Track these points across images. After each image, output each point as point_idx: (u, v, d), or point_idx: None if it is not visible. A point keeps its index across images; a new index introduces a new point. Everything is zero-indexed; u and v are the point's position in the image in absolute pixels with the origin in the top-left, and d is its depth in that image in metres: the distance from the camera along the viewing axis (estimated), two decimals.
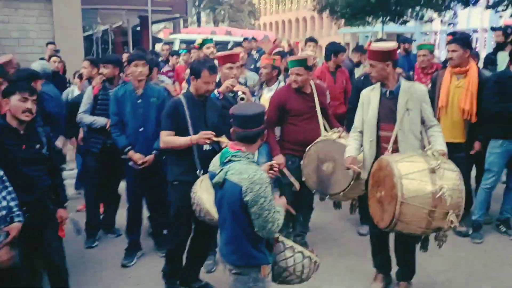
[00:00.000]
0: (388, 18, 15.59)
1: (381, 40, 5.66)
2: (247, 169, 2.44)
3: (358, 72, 6.60)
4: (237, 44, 15.02)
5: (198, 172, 3.51)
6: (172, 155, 3.68)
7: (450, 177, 3.08)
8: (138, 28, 20.65)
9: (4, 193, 2.88)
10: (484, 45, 29.53)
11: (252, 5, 38.46)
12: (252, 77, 5.75)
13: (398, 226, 3.11)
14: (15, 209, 2.90)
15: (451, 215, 3.01)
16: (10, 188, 2.92)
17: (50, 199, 3.25)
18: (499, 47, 6.43)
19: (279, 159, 4.25)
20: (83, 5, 11.81)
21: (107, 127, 4.47)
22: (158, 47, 18.76)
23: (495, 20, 17.42)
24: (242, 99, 4.09)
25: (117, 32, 19.19)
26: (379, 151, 3.55)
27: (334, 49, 5.80)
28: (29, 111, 3.07)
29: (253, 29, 35.87)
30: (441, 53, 20.57)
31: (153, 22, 19.59)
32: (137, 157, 4.19)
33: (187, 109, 3.57)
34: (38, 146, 3.16)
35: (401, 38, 8.12)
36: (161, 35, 27.80)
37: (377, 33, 29.22)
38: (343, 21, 17.41)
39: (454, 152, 3.94)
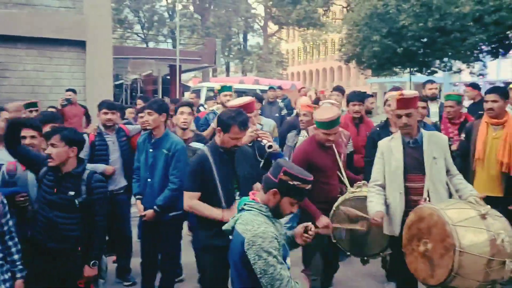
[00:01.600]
0: (415, 69, 15.52)
1: (397, 88, 5.53)
2: (253, 221, 2.34)
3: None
4: (263, 92, 15.25)
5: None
6: (197, 217, 3.36)
7: (502, 222, 2.88)
8: (168, 77, 21.23)
9: (10, 243, 2.80)
10: None
11: (280, 55, 39.27)
12: (268, 123, 5.72)
13: (454, 282, 2.80)
14: (18, 263, 2.81)
15: (509, 264, 2.74)
16: (16, 240, 2.84)
17: (77, 251, 3.11)
18: None
19: (324, 220, 3.80)
20: (115, 55, 12.25)
21: (107, 173, 4.45)
22: (187, 95, 19.23)
23: None
24: (270, 147, 3.91)
25: (147, 80, 19.75)
26: (409, 203, 3.38)
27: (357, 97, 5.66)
28: (49, 156, 3.10)
29: (281, 79, 36.40)
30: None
31: (183, 71, 20.13)
32: (139, 208, 4.12)
33: (213, 165, 3.25)
34: (72, 193, 3.07)
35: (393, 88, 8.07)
36: (190, 84, 28.52)
37: (405, 83, 29.20)
38: (370, 70, 17.45)
39: (490, 206, 3.70)
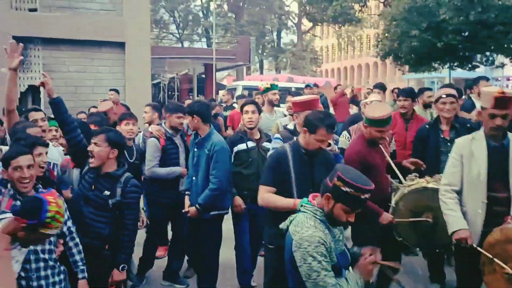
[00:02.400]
0: (456, 63, 15.08)
1: (449, 86, 5.29)
2: (303, 223, 2.33)
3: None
4: (299, 89, 15.17)
5: None
6: (269, 212, 3.32)
7: None
8: (203, 76, 21.48)
9: (71, 244, 2.90)
10: None
11: (314, 52, 39.01)
12: None
13: None
14: (80, 263, 2.89)
15: None
16: (77, 240, 2.92)
17: (105, 249, 3.16)
18: None
19: (387, 217, 3.65)
20: (153, 55, 12.49)
21: (184, 175, 4.49)
22: (221, 93, 19.43)
23: None
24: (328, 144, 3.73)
25: (183, 79, 20.06)
26: (490, 214, 3.11)
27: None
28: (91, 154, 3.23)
29: (315, 76, 36.17)
30: None
31: (217, 70, 20.32)
32: (186, 203, 4.21)
33: (292, 163, 3.20)
34: (107, 193, 3.15)
35: (466, 84, 7.78)
36: (224, 82, 28.76)
37: (444, 78, 28.42)
38: (407, 66, 17.09)
39: None
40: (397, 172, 3.91)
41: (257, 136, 4.39)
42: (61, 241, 2.80)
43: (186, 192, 4.28)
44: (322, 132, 3.13)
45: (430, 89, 6.43)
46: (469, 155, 3.19)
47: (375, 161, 3.80)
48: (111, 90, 9.49)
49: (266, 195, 3.22)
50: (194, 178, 4.18)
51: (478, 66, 15.53)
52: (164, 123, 4.81)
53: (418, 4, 11.62)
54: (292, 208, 2.96)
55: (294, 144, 3.30)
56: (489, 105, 3.11)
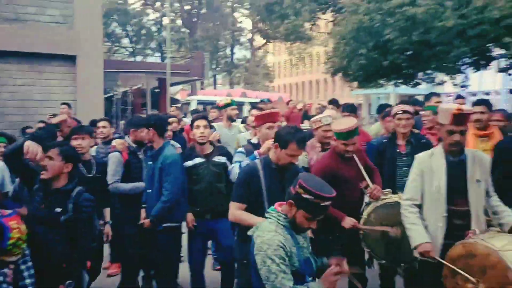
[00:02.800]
0: (400, 80, 15.86)
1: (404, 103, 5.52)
2: (265, 228, 2.42)
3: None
4: (252, 105, 15.33)
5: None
6: (240, 228, 3.26)
7: None
8: (157, 90, 21.32)
9: (23, 267, 2.81)
10: (497, 107, 29.62)
11: (267, 67, 39.61)
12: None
13: None
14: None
15: None
16: (30, 263, 2.80)
17: (62, 269, 3.06)
18: None
19: (349, 221, 3.73)
20: (106, 68, 12.32)
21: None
22: (172, 109, 19.29)
23: (507, 82, 17.63)
24: None
25: (136, 93, 19.81)
26: (450, 228, 3.15)
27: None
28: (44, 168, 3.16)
29: (268, 91, 36.70)
30: None
31: (171, 84, 20.25)
32: (142, 215, 4.27)
33: (263, 178, 3.19)
34: (58, 209, 3.08)
35: (412, 100, 8.21)
36: (178, 96, 28.62)
37: (389, 94, 29.66)
38: (356, 83, 17.76)
39: None
40: (370, 183, 3.96)
41: (208, 150, 4.35)
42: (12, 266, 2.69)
43: (143, 205, 4.31)
44: (293, 147, 3.13)
45: (389, 105, 6.75)
46: (429, 170, 3.22)
47: (345, 174, 3.86)
48: (62, 104, 9.27)
49: (238, 212, 3.20)
50: (149, 190, 4.23)
51: (420, 83, 16.39)
52: (128, 136, 4.80)
53: (365, 24, 12.20)
54: None
55: (265, 159, 3.31)
56: (447, 121, 3.15)
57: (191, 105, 15.31)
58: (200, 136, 4.29)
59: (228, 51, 37.72)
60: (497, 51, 14.03)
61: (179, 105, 15.36)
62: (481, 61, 13.84)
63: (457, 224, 3.14)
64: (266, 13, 20.47)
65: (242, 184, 3.22)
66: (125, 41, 36.51)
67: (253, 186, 3.18)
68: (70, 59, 10.90)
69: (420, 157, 3.35)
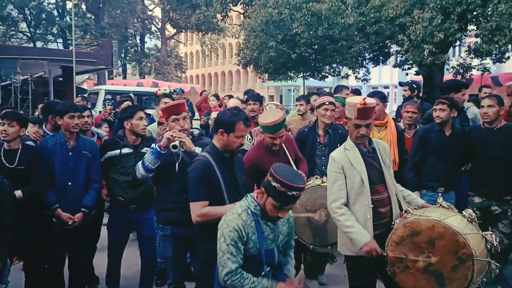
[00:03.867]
0: (308, 73, 16.62)
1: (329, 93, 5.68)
2: (232, 209, 2.58)
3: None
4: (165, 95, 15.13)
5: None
6: (200, 229, 3.08)
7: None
8: (60, 79, 20.15)
9: None
10: (394, 99, 32.17)
11: (179, 58, 39.03)
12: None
13: None
14: None
15: (493, 264, 2.82)
16: None
17: None
18: (406, 100, 7.16)
19: None
20: (1, 54, 11.44)
21: None
22: (77, 99, 18.35)
23: (403, 77, 19.21)
24: (174, 147, 3.50)
25: (37, 82, 18.56)
26: (376, 217, 3.15)
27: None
28: None
29: (180, 82, 36.26)
30: None
31: (76, 73, 19.25)
32: (64, 216, 3.99)
33: (218, 170, 3.06)
34: None
35: (319, 92, 8.73)
36: (85, 86, 27.22)
37: (299, 87, 30.86)
38: (266, 75, 18.28)
39: None
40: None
41: (138, 141, 4.24)
42: None
43: (55, 205, 4.01)
44: (240, 126, 3.06)
45: (316, 94, 7.07)
46: (348, 165, 3.19)
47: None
48: None
49: (204, 210, 3.00)
50: (70, 183, 4.06)
51: (327, 76, 17.32)
52: (45, 125, 4.56)
53: (274, 18, 12.63)
54: None
55: (213, 150, 3.15)
56: (353, 116, 3.20)
57: (99, 94, 14.70)
58: (143, 129, 4.19)
59: (138, 40, 36.53)
60: (394, 48, 15.28)
61: (85, 95, 14.69)
62: (380, 57, 14.99)
63: (382, 212, 3.17)
64: (177, 2, 20.24)
65: (201, 181, 3.03)
66: (23, 26, 33.85)
67: (211, 181, 3.04)
68: None
69: (335, 155, 3.31)
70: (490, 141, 4.43)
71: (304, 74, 16.69)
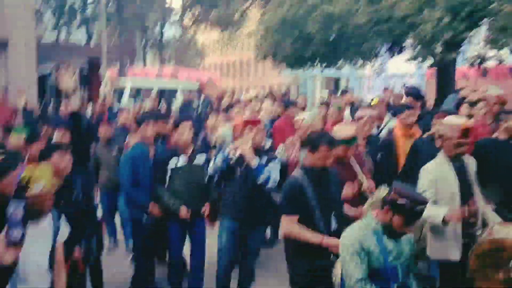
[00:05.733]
0: (325, 64, 17.08)
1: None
2: (351, 226, 2.76)
3: None
4: (185, 90, 15.59)
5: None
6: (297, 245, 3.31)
7: None
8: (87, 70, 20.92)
9: None
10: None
11: (197, 46, 39.58)
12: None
13: None
14: None
15: None
16: None
17: None
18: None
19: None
20: (39, 51, 12.28)
21: None
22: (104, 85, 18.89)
23: (419, 66, 19.44)
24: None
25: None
26: (465, 228, 3.44)
27: None
28: None
29: (199, 70, 36.85)
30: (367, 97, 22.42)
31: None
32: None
33: (309, 187, 3.26)
34: None
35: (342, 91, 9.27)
36: (107, 75, 27.92)
37: (316, 76, 31.23)
38: (284, 65, 18.71)
39: None
40: (365, 181, 4.20)
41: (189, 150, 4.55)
42: None
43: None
44: (323, 148, 3.29)
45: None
46: (441, 179, 3.47)
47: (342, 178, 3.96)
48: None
49: (291, 227, 3.25)
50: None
51: (343, 66, 17.70)
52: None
53: (289, 18, 13.22)
54: (320, 245, 3.13)
55: (304, 167, 3.41)
56: (456, 135, 3.48)
57: (124, 94, 15.32)
58: (186, 141, 4.48)
59: (157, 29, 37.21)
60: (408, 41, 15.64)
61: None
62: (394, 49, 15.36)
63: (470, 223, 3.42)
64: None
65: (291, 199, 3.29)
66: (48, 17, 34.79)
67: (301, 199, 3.24)
68: (1, 44, 10.88)
69: (429, 167, 3.60)
70: None
71: (322, 64, 17.02)
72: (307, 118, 4.91)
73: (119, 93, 15.66)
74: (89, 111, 9.57)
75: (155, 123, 4.72)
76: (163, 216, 4.48)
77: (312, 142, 3.36)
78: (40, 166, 2.83)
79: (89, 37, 31.34)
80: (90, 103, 11.30)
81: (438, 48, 11.86)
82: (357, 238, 2.62)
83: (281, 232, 3.39)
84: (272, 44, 15.49)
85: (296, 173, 3.42)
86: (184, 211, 4.33)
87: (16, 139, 4.72)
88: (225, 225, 4.31)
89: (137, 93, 15.59)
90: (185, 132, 4.43)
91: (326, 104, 7.46)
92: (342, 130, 4.16)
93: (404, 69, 33.34)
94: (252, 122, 4.26)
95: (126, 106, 13.09)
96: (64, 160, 3.60)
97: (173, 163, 4.39)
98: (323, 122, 6.25)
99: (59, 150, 3.66)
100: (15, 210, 2.20)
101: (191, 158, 4.48)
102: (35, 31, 11.74)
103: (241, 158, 4.03)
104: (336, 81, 31.84)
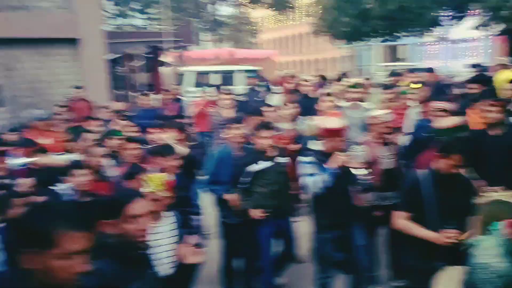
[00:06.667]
0: (384, 38, 16.76)
1: None
2: (485, 246, 2.41)
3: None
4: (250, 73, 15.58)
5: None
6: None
7: None
8: (150, 56, 21.63)
9: None
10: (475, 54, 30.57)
11: (252, 23, 39.59)
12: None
13: None
14: None
15: None
16: None
17: None
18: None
19: None
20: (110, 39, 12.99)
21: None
22: (165, 70, 19.39)
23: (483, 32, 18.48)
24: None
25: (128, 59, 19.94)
26: None
27: None
28: None
29: (254, 48, 36.88)
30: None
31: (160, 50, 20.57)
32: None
33: (428, 188, 3.26)
34: None
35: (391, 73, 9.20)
36: (167, 59, 28.75)
37: (372, 46, 30.33)
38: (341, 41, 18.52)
39: None
40: None
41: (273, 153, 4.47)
42: None
43: None
44: (455, 157, 3.23)
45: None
46: None
47: None
48: (75, 87, 9.86)
49: (404, 223, 3.32)
50: None
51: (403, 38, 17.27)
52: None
53: None
54: (433, 241, 3.09)
55: (430, 168, 3.38)
56: None
57: (187, 77, 15.63)
58: (269, 146, 4.40)
59: (211, 8, 37.60)
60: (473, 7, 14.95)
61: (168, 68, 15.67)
62: (455, 16, 14.80)
63: None
64: None
65: (408, 194, 3.39)
66: (107, 3, 36.15)
67: (417, 196, 3.27)
68: (73, 42, 11.63)
69: None
70: None
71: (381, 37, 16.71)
72: (382, 115, 4.54)
73: (180, 78, 16.07)
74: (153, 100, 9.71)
75: (237, 128, 4.74)
76: (251, 217, 4.42)
77: (445, 148, 3.29)
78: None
79: (147, 23, 32.35)
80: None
81: (506, 15, 11.33)
82: (493, 268, 2.36)
83: (394, 224, 3.40)
84: (329, 22, 15.41)
85: (420, 172, 3.42)
86: (255, 212, 4.35)
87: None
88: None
89: (197, 79, 15.91)
90: (265, 137, 4.37)
91: (391, 85, 7.10)
92: (448, 120, 4.08)
93: (467, 35, 31.69)
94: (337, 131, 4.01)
95: (189, 94, 13.61)
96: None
97: (257, 165, 4.38)
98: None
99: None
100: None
101: (275, 160, 4.44)
102: (103, 31, 12.34)
103: (346, 170, 3.90)
104: (393, 49, 30.56)
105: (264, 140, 4.35)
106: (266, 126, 4.51)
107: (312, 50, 43.42)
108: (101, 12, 12.31)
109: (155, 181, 3.01)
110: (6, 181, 4.06)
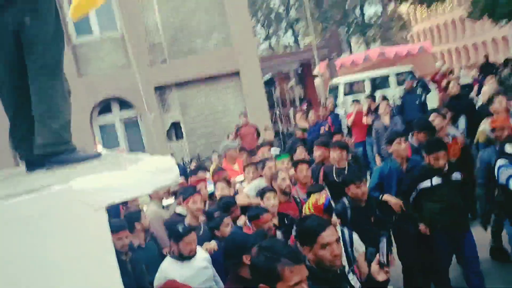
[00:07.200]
0: None
1: None
2: None
3: None
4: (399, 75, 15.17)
5: None
6: None
7: None
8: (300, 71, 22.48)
9: None
10: None
11: (401, 18, 37.86)
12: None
13: None
14: None
15: None
16: None
17: None
18: None
19: None
20: (263, 67, 14.12)
21: None
22: (318, 82, 19.61)
23: None
24: None
25: (280, 78, 21.02)
26: None
27: None
28: None
29: (406, 43, 35.27)
30: None
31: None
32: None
33: None
34: None
35: None
36: (317, 71, 29.29)
37: None
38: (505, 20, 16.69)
39: None
40: None
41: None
42: None
43: None
44: None
45: None
46: None
47: None
48: (241, 114, 10.79)
49: None
50: None
51: None
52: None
53: None
54: None
55: None
56: None
57: (338, 91, 15.71)
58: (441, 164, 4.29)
59: (357, 11, 37.14)
60: None
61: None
62: None
63: None
64: None
65: None
66: (257, 28, 38.55)
67: None
68: (235, 75, 13.02)
69: None
70: None
71: None
72: None
73: (333, 89, 16.13)
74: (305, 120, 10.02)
75: (404, 141, 4.74)
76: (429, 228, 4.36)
77: None
78: None
79: (295, 38, 33.61)
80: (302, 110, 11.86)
81: None
82: None
83: None
84: (489, 2, 14.18)
85: None
86: (423, 228, 4.35)
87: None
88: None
89: (350, 89, 15.93)
90: (440, 156, 4.21)
91: None
92: None
93: None
94: None
95: (343, 106, 13.77)
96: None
97: (428, 181, 4.28)
98: None
99: None
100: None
101: (447, 176, 4.31)
102: (259, 62, 13.48)
103: None
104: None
105: (439, 161, 4.20)
106: (439, 145, 4.33)
107: (470, 37, 39.66)
108: (254, 40, 13.43)
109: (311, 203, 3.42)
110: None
